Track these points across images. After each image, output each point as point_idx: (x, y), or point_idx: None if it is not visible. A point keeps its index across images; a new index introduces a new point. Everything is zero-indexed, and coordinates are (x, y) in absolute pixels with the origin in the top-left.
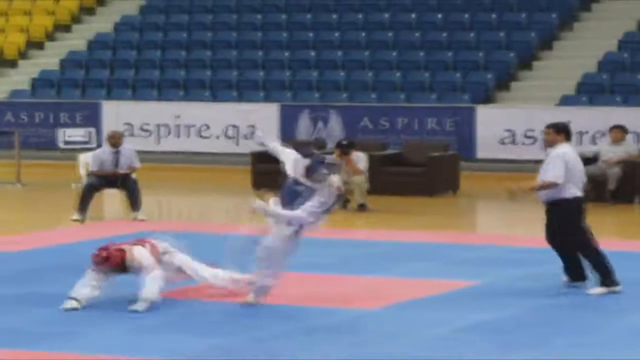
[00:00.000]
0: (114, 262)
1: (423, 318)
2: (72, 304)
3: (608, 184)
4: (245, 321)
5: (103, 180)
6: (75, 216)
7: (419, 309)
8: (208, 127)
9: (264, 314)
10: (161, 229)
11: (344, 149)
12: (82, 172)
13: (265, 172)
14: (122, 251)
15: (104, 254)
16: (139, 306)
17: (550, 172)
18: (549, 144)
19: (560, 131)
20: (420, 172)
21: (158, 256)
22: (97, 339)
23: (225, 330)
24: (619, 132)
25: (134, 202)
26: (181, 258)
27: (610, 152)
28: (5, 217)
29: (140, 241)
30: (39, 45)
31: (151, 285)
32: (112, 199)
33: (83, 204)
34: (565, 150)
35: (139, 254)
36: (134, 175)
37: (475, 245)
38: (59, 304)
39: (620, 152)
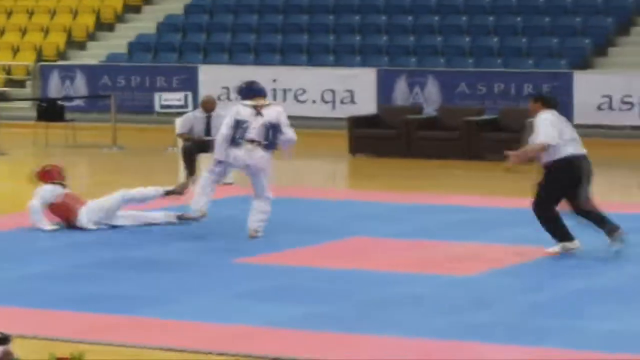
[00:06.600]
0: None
1: (514, 284)
2: None
3: None
4: (336, 287)
5: (194, 145)
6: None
7: (508, 276)
8: (304, 91)
9: (351, 280)
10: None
11: None
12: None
13: (362, 137)
14: None
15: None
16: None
17: (541, 135)
18: (531, 114)
19: (537, 100)
20: (516, 137)
21: None
22: (193, 305)
23: (320, 297)
24: None
25: None
26: None
27: None
28: (102, 179)
29: None
30: (136, 9)
31: None
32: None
33: (190, 167)
34: (545, 116)
35: None
36: None
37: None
38: (154, 269)
39: None
